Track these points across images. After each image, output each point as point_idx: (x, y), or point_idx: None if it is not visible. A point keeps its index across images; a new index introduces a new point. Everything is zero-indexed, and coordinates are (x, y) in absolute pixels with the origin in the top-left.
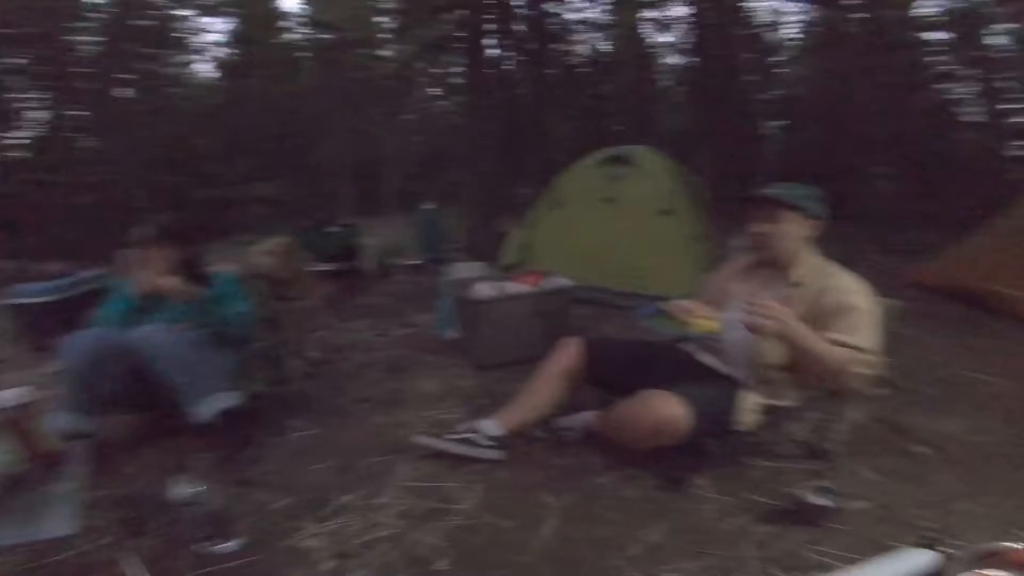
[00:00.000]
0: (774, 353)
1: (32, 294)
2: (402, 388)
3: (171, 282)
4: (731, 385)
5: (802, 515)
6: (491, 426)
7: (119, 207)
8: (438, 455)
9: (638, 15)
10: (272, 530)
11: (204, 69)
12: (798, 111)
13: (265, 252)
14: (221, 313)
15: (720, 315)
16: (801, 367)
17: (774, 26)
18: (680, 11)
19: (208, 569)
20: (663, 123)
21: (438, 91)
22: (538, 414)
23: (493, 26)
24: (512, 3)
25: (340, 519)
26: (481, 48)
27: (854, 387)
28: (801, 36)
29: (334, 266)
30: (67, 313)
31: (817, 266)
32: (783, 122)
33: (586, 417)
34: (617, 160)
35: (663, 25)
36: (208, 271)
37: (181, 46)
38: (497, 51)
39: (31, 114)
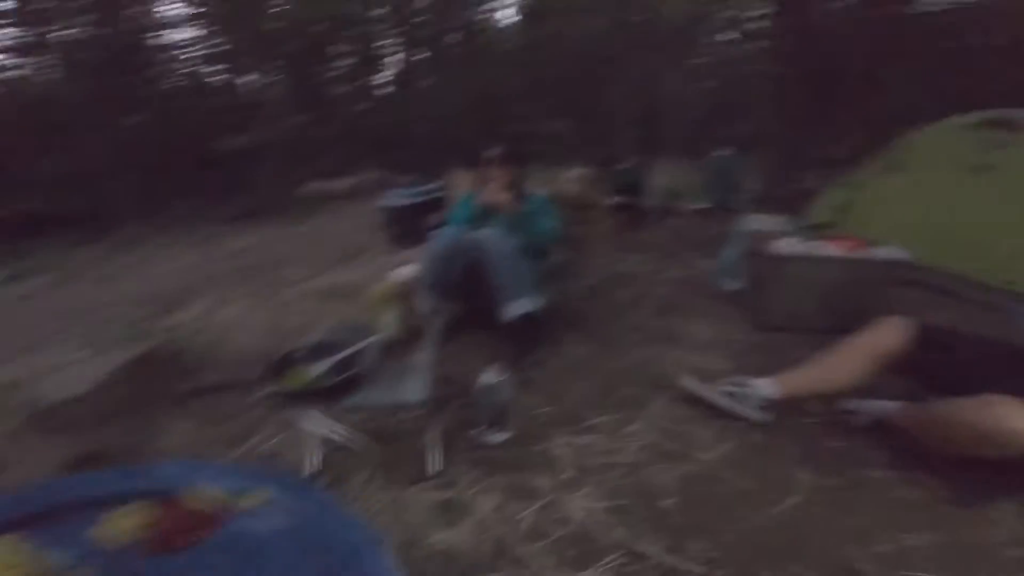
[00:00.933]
0: None
1: (396, 198)
2: (671, 328)
3: (505, 197)
4: None
5: None
6: (767, 386)
7: (448, 137)
8: (697, 401)
9: None
10: (531, 433)
11: (509, 15)
12: None
13: (571, 179)
14: (535, 227)
15: None
16: None
17: None
18: None
19: (477, 453)
20: None
21: (737, 35)
22: (828, 389)
23: None
24: None
25: (589, 437)
26: None
27: None
28: None
29: (619, 200)
30: (418, 215)
31: None
32: None
33: (884, 406)
34: (997, 124)
35: None
36: (527, 191)
37: None
38: None
39: (389, 59)
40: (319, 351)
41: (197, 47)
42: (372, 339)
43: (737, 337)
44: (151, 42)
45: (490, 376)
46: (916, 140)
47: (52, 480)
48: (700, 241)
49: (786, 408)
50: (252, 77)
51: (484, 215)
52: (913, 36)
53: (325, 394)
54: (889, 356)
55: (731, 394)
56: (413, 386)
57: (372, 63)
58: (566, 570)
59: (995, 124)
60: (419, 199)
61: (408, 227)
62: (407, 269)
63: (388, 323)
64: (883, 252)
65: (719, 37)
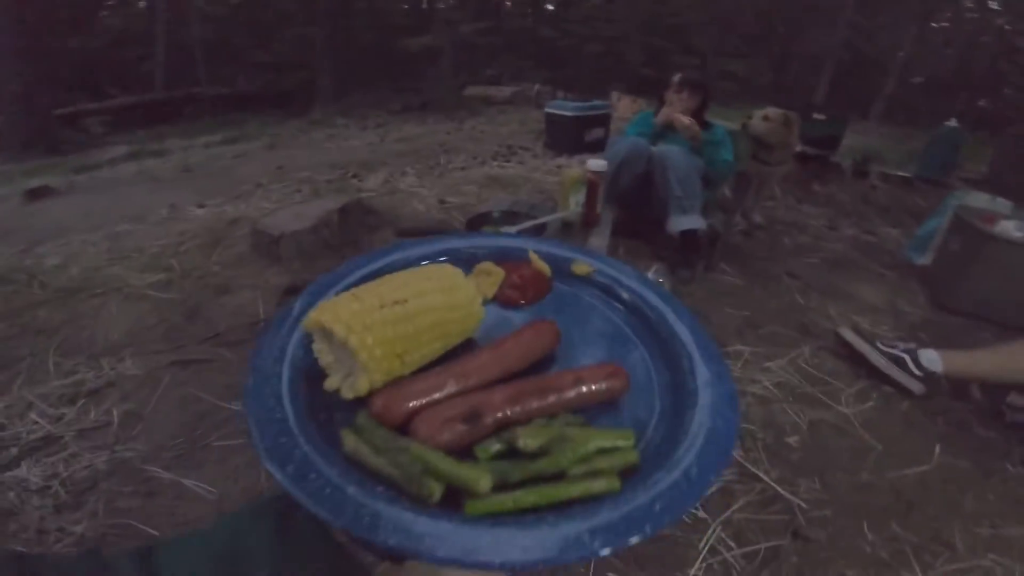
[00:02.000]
0: None
1: (561, 108)
2: (836, 284)
3: (686, 120)
4: None
5: None
6: (933, 357)
7: (618, 58)
8: (851, 357)
9: None
10: None
11: None
12: None
13: (763, 116)
14: (711, 155)
15: None
16: None
17: None
18: None
19: None
20: None
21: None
22: (1001, 376)
23: None
24: None
25: (727, 363)
26: None
27: None
28: None
29: (810, 151)
30: (579, 128)
31: None
32: None
33: None
34: None
35: None
36: (709, 120)
37: None
38: None
39: None
40: (511, 215)
41: None
42: (558, 215)
43: (910, 310)
44: None
45: (650, 275)
46: None
47: (400, 244)
48: (892, 208)
49: (946, 387)
50: None
51: (661, 134)
52: None
53: None
54: None
55: (893, 356)
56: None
57: None
58: None
59: None
60: (582, 113)
61: (567, 137)
62: (598, 162)
63: (574, 204)
64: None
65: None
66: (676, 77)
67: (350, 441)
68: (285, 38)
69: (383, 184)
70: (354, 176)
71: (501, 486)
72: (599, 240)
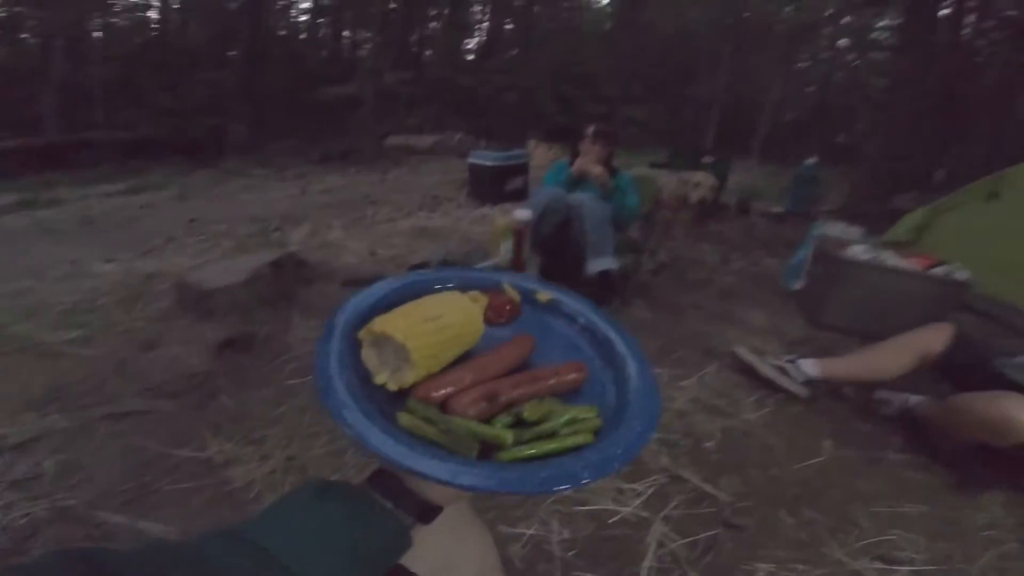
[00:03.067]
0: None
1: (483, 158)
2: (731, 311)
3: (598, 171)
4: None
5: None
6: (811, 366)
7: (533, 106)
8: (746, 371)
9: None
10: None
11: None
12: None
13: (696, 182)
14: (620, 201)
15: None
16: None
17: None
18: None
19: None
20: None
21: (849, 45)
22: (866, 377)
23: None
24: None
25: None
26: (933, 5)
27: None
28: None
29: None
30: (500, 177)
31: None
32: None
33: (911, 399)
34: None
35: None
36: (616, 168)
37: None
38: (949, 11)
39: (482, 25)
40: (445, 264)
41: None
42: (491, 262)
43: (790, 329)
44: None
45: None
46: (1018, 174)
47: (396, 277)
48: (770, 241)
49: (826, 389)
50: (350, 33)
51: (576, 183)
52: None
53: None
54: (930, 356)
55: (779, 368)
56: None
57: (464, 29)
58: (617, 480)
59: None
60: (504, 162)
61: (489, 187)
62: (523, 212)
63: (503, 252)
64: (949, 271)
65: (833, 43)
66: (590, 130)
67: (405, 419)
68: (194, 82)
69: (309, 237)
70: (276, 229)
71: (517, 443)
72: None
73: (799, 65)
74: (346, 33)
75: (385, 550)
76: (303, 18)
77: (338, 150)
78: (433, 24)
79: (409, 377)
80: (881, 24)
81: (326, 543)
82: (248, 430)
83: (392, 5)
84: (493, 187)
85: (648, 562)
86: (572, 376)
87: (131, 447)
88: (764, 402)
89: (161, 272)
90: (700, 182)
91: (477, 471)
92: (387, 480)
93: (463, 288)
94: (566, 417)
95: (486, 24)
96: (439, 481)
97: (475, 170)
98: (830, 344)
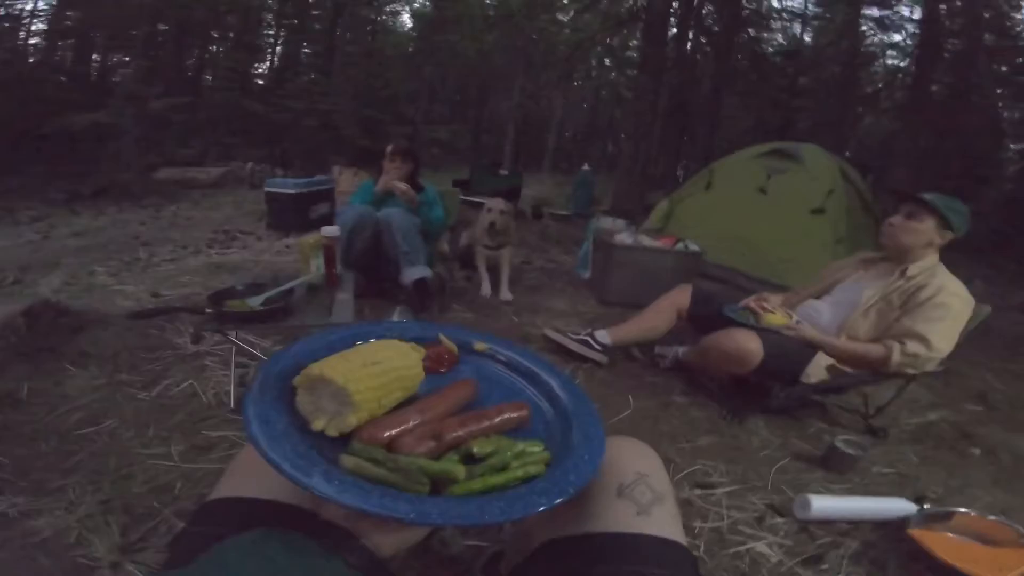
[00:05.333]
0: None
1: (282, 186)
2: (537, 303)
3: (402, 186)
4: (807, 345)
5: (829, 459)
6: (604, 335)
7: (335, 131)
8: (558, 348)
9: (859, 11)
10: None
11: (404, 20)
12: None
13: (489, 208)
14: (427, 213)
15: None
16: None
17: None
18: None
19: None
20: (862, 127)
21: (611, 63)
22: (643, 337)
23: (676, 6)
24: None
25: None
26: (662, 25)
27: (903, 374)
28: None
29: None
30: (304, 205)
31: (930, 267)
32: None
33: (680, 350)
34: (781, 154)
35: (887, 24)
36: (421, 183)
37: None
38: (675, 31)
39: (277, 48)
40: (254, 287)
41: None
42: (303, 279)
43: (586, 309)
44: None
45: (398, 315)
46: (723, 164)
47: (336, 328)
48: (562, 240)
49: (618, 352)
50: (100, 56)
51: (383, 200)
52: (756, 74)
53: (264, 318)
54: (682, 311)
55: (582, 340)
56: (343, 312)
57: (254, 51)
58: None
59: (779, 155)
60: (305, 189)
61: (292, 215)
62: (330, 228)
63: (315, 268)
64: (685, 246)
65: (600, 62)
66: (389, 147)
67: (350, 462)
68: None
69: (65, 286)
70: (15, 282)
71: (469, 476)
72: (345, 295)
73: (576, 83)
74: (96, 57)
75: None
76: (33, 41)
77: (90, 188)
78: (216, 47)
79: (351, 421)
80: (633, 43)
81: None
82: (39, 483)
83: (161, 26)
84: (296, 216)
85: None
86: (517, 414)
87: None
88: (576, 372)
89: None
90: (491, 207)
91: (435, 508)
92: (332, 529)
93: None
94: (516, 450)
95: (279, 48)
96: (401, 521)
97: (274, 199)
98: (617, 316)
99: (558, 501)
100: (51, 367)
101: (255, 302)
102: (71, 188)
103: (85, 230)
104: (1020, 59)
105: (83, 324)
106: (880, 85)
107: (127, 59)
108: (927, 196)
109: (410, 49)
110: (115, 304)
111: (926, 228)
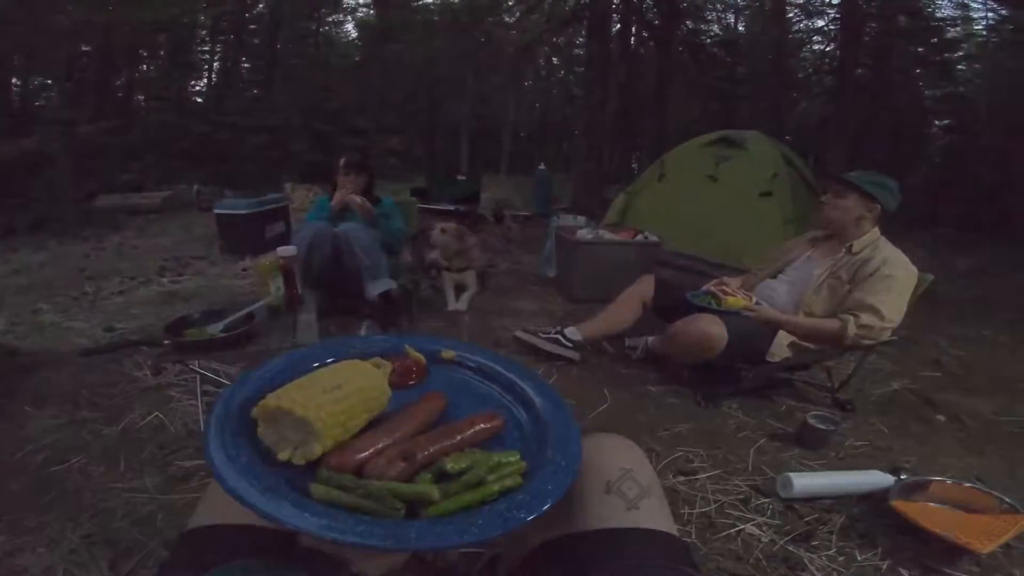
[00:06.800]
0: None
1: (233, 208)
2: (506, 305)
3: (358, 199)
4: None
5: (802, 436)
6: (574, 332)
7: (284, 148)
8: (530, 349)
9: None
10: None
11: (348, 30)
12: (969, 114)
13: (441, 229)
14: (386, 225)
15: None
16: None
17: (954, 21)
18: None
19: None
20: (798, 111)
21: (559, 62)
22: (612, 330)
23: (617, 2)
24: None
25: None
26: (605, 23)
27: (860, 345)
28: (985, 34)
29: (458, 207)
30: (258, 225)
31: (873, 241)
32: (949, 123)
33: (648, 340)
34: (727, 142)
35: (811, 11)
36: (377, 195)
37: (336, 5)
38: (618, 27)
39: (214, 65)
40: (211, 315)
41: None
42: (262, 302)
43: (553, 308)
44: None
45: (364, 331)
46: (673, 155)
47: (302, 349)
48: (525, 241)
49: (590, 347)
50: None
51: (339, 215)
52: (696, 65)
53: (226, 345)
54: (645, 300)
55: (553, 339)
56: (306, 334)
57: (189, 69)
58: None
59: (725, 142)
60: (258, 209)
61: (246, 237)
62: (287, 248)
63: (275, 290)
64: (644, 237)
65: (550, 63)
66: (342, 161)
67: (319, 491)
68: None
69: (11, 327)
70: None
71: (444, 496)
72: (307, 316)
73: (527, 84)
74: (16, 81)
75: None
76: None
77: (27, 221)
78: (146, 66)
79: (316, 449)
80: (579, 40)
81: None
82: (15, 523)
83: (84, 47)
84: (251, 237)
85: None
86: (489, 425)
87: None
88: (550, 371)
89: None
90: (444, 228)
91: (413, 532)
92: (317, 556)
93: (363, 357)
94: (491, 463)
95: (216, 64)
96: (377, 549)
97: (226, 221)
98: (585, 312)
99: (533, 517)
100: (8, 410)
101: (215, 329)
102: (5, 222)
103: (25, 267)
104: (934, 40)
105: (35, 365)
106: (810, 70)
107: (49, 82)
108: (847, 175)
109: (356, 59)
110: (67, 342)
111: (851, 204)
